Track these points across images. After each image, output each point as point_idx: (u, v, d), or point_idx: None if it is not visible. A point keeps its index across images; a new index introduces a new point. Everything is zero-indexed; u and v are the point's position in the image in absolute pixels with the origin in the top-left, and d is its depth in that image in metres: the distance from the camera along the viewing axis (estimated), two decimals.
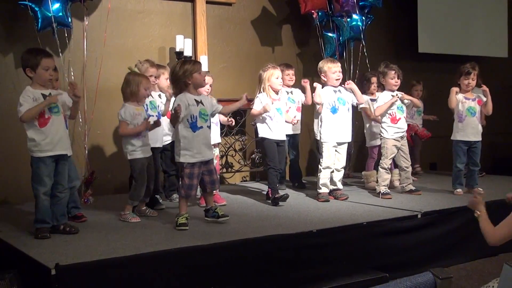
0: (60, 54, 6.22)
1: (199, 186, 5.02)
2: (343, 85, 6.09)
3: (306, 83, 6.37)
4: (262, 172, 7.56)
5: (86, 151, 6.38)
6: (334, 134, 5.98)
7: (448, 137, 6.44)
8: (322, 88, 6.06)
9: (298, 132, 6.88)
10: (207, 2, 7.50)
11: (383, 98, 6.27)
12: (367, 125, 7.07)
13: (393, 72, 6.24)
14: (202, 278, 4.01)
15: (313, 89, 6.15)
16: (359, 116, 7.22)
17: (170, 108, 5.88)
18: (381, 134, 6.34)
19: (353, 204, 5.79)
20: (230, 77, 7.49)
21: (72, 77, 6.23)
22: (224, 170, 7.46)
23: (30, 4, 5.99)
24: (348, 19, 7.78)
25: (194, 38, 7.37)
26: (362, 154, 8.09)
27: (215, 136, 5.81)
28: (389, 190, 6.17)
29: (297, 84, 6.82)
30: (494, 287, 3.18)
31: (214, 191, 5.47)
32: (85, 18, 6.49)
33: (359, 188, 6.90)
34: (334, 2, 7.77)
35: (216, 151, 5.86)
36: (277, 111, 5.92)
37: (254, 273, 4.22)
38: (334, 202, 5.91)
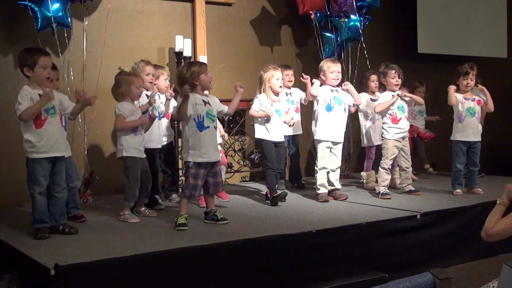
0: (60, 54, 6.22)
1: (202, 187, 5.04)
2: (340, 87, 6.10)
3: (306, 79, 6.37)
4: (262, 172, 7.56)
5: (86, 151, 6.37)
6: (328, 132, 5.98)
7: (448, 138, 6.44)
8: (320, 86, 6.07)
9: (299, 132, 6.88)
10: (206, 2, 7.51)
11: (384, 97, 6.27)
12: (364, 126, 7.04)
13: (393, 71, 6.25)
14: (201, 278, 4.01)
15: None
16: (358, 116, 7.21)
17: (170, 110, 5.91)
18: (382, 134, 6.34)
19: (353, 205, 5.79)
20: (229, 77, 7.49)
21: (72, 78, 6.23)
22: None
23: (30, 4, 5.98)
24: (346, 20, 7.79)
25: (194, 38, 7.37)
26: (361, 155, 8.09)
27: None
28: (388, 191, 6.17)
29: (297, 85, 6.82)
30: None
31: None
32: (85, 19, 6.48)
33: (358, 188, 6.90)
34: (332, 3, 7.77)
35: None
36: (276, 113, 5.92)
37: (254, 273, 4.22)
38: (334, 203, 5.91)
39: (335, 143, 6.04)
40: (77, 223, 4.95)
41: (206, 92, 5.06)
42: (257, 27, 8.08)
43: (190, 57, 7.03)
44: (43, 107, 4.45)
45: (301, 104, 6.78)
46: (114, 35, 6.82)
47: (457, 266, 5.22)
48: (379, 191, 6.15)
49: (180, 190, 5.78)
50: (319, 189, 6.00)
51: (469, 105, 6.28)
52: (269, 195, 5.91)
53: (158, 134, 5.70)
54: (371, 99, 6.96)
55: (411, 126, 7.35)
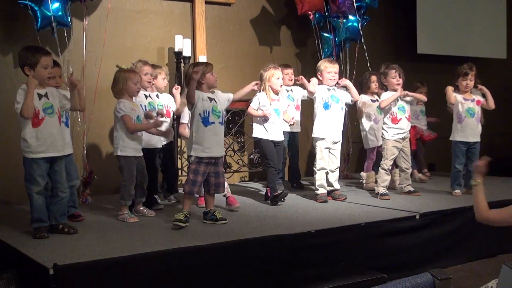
0: (60, 54, 6.22)
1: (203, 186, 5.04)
2: (337, 85, 6.10)
3: (301, 79, 6.35)
4: (261, 172, 7.56)
5: (85, 151, 6.37)
6: (326, 131, 5.99)
7: (447, 138, 6.44)
8: (318, 85, 6.08)
9: (298, 130, 6.86)
10: (206, 2, 7.51)
11: (387, 95, 6.26)
12: (366, 127, 7.00)
13: (393, 71, 6.25)
14: (200, 278, 4.01)
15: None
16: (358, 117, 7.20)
17: (170, 108, 5.94)
18: (382, 135, 6.34)
19: (352, 205, 5.79)
20: (229, 77, 7.49)
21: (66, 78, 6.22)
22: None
23: (30, 3, 5.98)
24: (344, 20, 7.78)
25: (193, 38, 7.37)
26: (361, 155, 8.09)
27: None
28: (387, 191, 6.17)
29: (297, 84, 6.82)
30: None
31: (228, 194, 5.60)
32: (84, 18, 6.48)
33: (357, 188, 6.90)
34: (331, 3, 7.77)
35: None
36: (275, 112, 5.91)
37: (253, 273, 4.22)
38: (333, 203, 5.91)
39: (333, 142, 6.03)
40: (75, 222, 4.95)
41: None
42: (256, 27, 8.08)
43: (189, 57, 7.03)
44: (41, 106, 4.43)
45: (302, 102, 6.76)
46: (114, 34, 6.82)
47: (456, 266, 5.22)
48: (378, 192, 6.15)
49: (180, 190, 5.79)
50: (318, 189, 6.00)
51: (469, 105, 6.28)
52: (269, 194, 5.90)
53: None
54: (372, 100, 6.95)
55: (414, 127, 7.37)
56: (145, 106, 5.55)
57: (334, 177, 6.11)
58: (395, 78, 6.24)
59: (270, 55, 8.06)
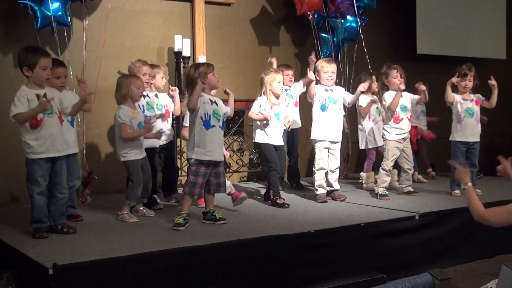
0: (60, 54, 6.21)
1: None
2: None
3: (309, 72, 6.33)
4: (260, 172, 7.56)
5: (84, 151, 6.37)
6: (324, 132, 5.98)
7: (446, 139, 6.45)
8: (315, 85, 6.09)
9: (298, 126, 6.80)
10: (205, 2, 7.50)
11: (390, 95, 6.25)
12: (366, 127, 6.98)
13: (395, 71, 6.25)
14: (200, 278, 4.01)
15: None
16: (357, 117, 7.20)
17: (170, 108, 5.93)
18: (383, 135, 6.34)
19: (351, 205, 5.79)
20: (228, 77, 7.49)
21: (72, 77, 6.22)
22: None
23: (30, 3, 5.98)
24: (342, 20, 7.78)
25: (193, 38, 7.37)
26: (360, 155, 8.09)
27: None
28: (387, 192, 6.17)
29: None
30: None
31: (232, 190, 5.60)
32: (85, 18, 6.47)
33: (357, 189, 6.90)
34: (329, 3, 7.76)
35: None
36: (275, 116, 5.90)
37: (252, 273, 4.22)
38: (332, 203, 5.91)
39: (332, 142, 6.03)
40: (74, 222, 4.94)
41: (213, 92, 5.11)
42: (256, 27, 8.07)
43: (189, 57, 7.03)
44: (40, 112, 4.43)
45: (300, 99, 6.75)
46: (113, 34, 6.82)
47: (456, 266, 5.22)
48: (378, 192, 6.15)
49: (180, 190, 5.78)
50: (317, 189, 6.00)
51: (468, 105, 6.29)
52: (271, 196, 5.90)
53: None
54: (372, 100, 6.94)
55: (415, 127, 7.37)
56: (143, 105, 5.55)
57: (334, 177, 6.10)
58: (396, 78, 6.24)
59: (269, 55, 8.03)
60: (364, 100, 6.74)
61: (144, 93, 5.63)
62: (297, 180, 7.08)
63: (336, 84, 6.35)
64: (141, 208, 5.33)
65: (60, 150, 4.55)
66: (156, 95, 5.86)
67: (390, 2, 9.18)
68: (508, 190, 6.12)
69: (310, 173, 7.78)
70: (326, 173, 6.06)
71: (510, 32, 10.13)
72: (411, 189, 6.31)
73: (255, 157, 7.46)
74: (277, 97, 5.96)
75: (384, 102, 6.31)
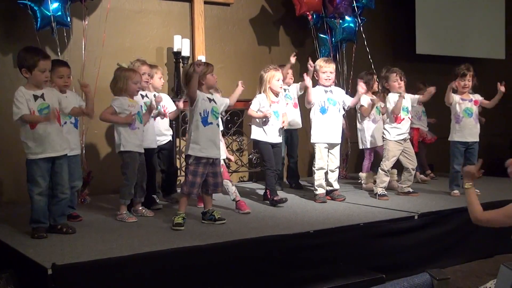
0: (59, 54, 6.21)
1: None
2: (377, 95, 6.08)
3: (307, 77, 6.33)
4: (260, 172, 7.56)
5: (84, 151, 6.36)
6: (324, 135, 5.98)
7: (445, 139, 6.45)
8: (314, 87, 6.06)
9: (299, 126, 6.82)
10: (205, 2, 7.50)
11: (393, 98, 6.25)
12: (366, 128, 6.97)
13: (394, 74, 6.25)
14: (199, 279, 4.00)
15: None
16: (356, 118, 7.20)
17: (167, 110, 5.93)
18: (383, 135, 6.34)
19: (350, 205, 5.79)
20: (228, 77, 7.48)
21: (71, 77, 6.22)
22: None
23: (29, 3, 5.97)
24: (341, 21, 7.78)
25: (192, 38, 7.36)
26: (359, 155, 8.08)
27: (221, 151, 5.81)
28: (386, 192, 6.17)
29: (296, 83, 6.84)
30: None
31: (238, 198, 5.57)
32: (84, 18, 6.47)
33: (356, 189, 6.90)
34: (328, 4, 7.76)
35: (221, 161, 5.82)
36: (274, 114, 5.91)
37: (251, 273, 4.22)
38: (331, 203, 5.92)
39: (332, 145, 6.03)
40: (73, 222, 4.94)
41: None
42: (255, 27, 8.07)
43: (188, 57, 7.03)
44: (36, 107, 4.42)
45: (299, 100, 6.76)
46: (113, 34, 6.81)
47: (455, 266, 5.22)
48: (377, 192, 6.15)
49: (179, 190, 5.78)
50: (317, 189, 5.99)
51: (467, 105, 6.29)
52: (268, 196, 5.90)
53: (153, 134, 5.69)
54: (371, 100, 6.94)
55: (417, 129, 7.37)
56: (141, 106, 5.54)
57: (334, 177, 6.10)
58: (396, 81, 6.24)
59: (268, 55, 8.06)
60: (365, 100, 6.74)
61: (143, 93, 5.64)
62: (296, 180, 7.08)
63: (335, 84, 6.34)
64: (140, 208, 5.33)
65: (58, 150, 4.53)
66: (154, 95, 5.85)
67: (389, 2, 9.19)
68: (507, 190, 6.13)
69: (310, 173, 7.79)
70: (326, 173, 6.06)
71: (509, 32, 10.13)
72: (410, 189, 6.31)
73: (254, 157, 7.46)
74: (276, 94, 5.96)
75: (388, 105, 6.29)
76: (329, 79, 6.04)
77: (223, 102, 5.17)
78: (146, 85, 5.74)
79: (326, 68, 6.02)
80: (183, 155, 6.77)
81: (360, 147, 7.07)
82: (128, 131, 5.11)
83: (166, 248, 4.03)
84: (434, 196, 6.26)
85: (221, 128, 5.93)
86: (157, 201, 5.78)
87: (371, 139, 6.87)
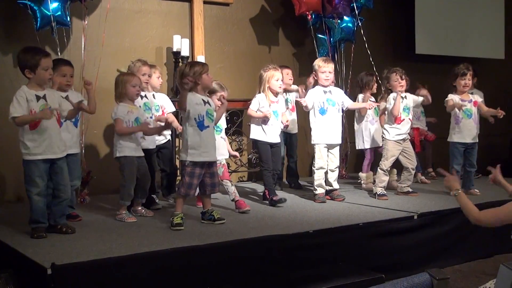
0: (59, 54, 6.21)
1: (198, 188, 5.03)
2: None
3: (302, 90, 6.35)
4: (259, 172, 7.55)
5: (83, 151, 6.36)
6: (324, 136, 5.98)
7: (444, 139, 6.45)
8: (313, 87, 6.06)
9: (295, 131, 6.85)
10: (204, 2, 7.50)
11: (393, 98, 6.26)
12: (365, 128, 6.96)
13: (394, 74, 6.25)
14: (198, 278, 4.01)
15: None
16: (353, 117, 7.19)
17: (165, 109, 5.93)
18: (383, 135, 6.34)
19: (350, 205, 5.80)
20: (227, 77, 7.48)
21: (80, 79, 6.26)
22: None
23: (29, 3, 5.97)
24: (339, 21, 7.78)
25: (192, 38, 7.36)
26: (359, 155, 8.09)
27: (224, 150, 5.80)
28: (385, 192, 6.17)
29: (297, 84, 6.83)
30: None
31: (237, 197, 5.57)
32: (84, 18, 6.47)
33: (355, 189, 6.90)
34: (327, 4, 7.75)
35: (223, 160, 5.83)
36: (273, 114, 5.90)
37: (250, 273, 4.22)
38: (331, 203, 5.92)
39: (332, 146, 6.03)
40: (72, 222, 4.93)
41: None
42: (255, 27, 8.07)
43: (187, 57, 7.02)
44: (38, 108, 4.42)
45: (296, 103, 6.75)
46: (112, 34, 6.81)
47: (454, 266, 5.23)
48: (376, 192, 6.15)
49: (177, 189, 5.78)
50: (316, 189, 5.99)
51: (466, 106, 6.29)
52: (267, 196, 5.90)
53: (150, 135, 5.68)
54: (370, 101, 6.94)
55: (417, 129, 7.38)
56: (140, 106, 5.54)
57: (333, 177, 6.10)
58: (397, 81, 6.24)
59: (268, 55, 8.06)
60: (363, 100, 6.75)
61: (142, 93, 5.64)
62: (296, 180, 7.08)
63: (334, 84, 6.34)
64: (140, 208, 5.32)
65: (57, 152, 4.53)
66: (153, 96, 5.86)
67: (389, 2, 9.19)
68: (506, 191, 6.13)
69: (309, 173, 7.79)
70: (326, 173, 6.06)
71: (508, 32, 10.14)
72: (410, 189, 6.31)
73: (254, 157, 7.46)
74: (276, 94, 5.96)
75: (388, 105, 6.29)
76: (328, 79, 6.04)
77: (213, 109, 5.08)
78: (146, 86, 5.74)
79: (325, 68, 6.01)
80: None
81: (357, 147, 7.07)
82: (125, 137, 5.12)
83: (165, 248, 4.03)
84: (433, 196, 6.26)
85: (225, 126, 5.91)
86: (157, 201, 5.78)
87: (370, 139, 6.87)
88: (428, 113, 7.93)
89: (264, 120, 5.86)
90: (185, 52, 7.01)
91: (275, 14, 8.25)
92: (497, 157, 9.70)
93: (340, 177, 7.17)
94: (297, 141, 7.03)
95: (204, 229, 4.75)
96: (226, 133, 7.20)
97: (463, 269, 5.20)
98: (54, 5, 6.03)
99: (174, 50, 7.05)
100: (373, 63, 7.24)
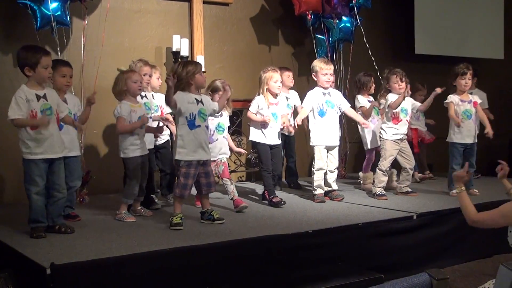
0: (59, 53, 6.21)
1: (195, 188, 5.03)
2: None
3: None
4: (258, 172, 7.55)
5: (82, 151, 6.36)
6: (323, 138, 5.97)
7: (444, 139, 6.45)
8: (313, 88, 6.06)
9: (291, 134, 6.84)
10: (204, 2, 7.50)
11: (392, 99, 6.24)
12: (362, 128, 6.95)
13: (395, 76, 6.24)
14: (197, 278, 4.01)
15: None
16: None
17: (164, 109, 5.92)
18: (381, 135, 6.34)
19: (349, 205, 5.79)
20: (226, 77, 7.42)
21: (82, 84, 6.26)
22: None
23: (29, 2, 5.97)
24: (337, 21, 7.78)
25: (191, 38, 7.36)
26: (358, 155, 8.10)
27: (225, 149, 5.82)
28: (384, 192, 6.17)
29: (296, 84, 6.83)
30: None
31: (235, 197, 5.57)
32: (84, 18, 6.47)
33: (355, 189, 6.90)
34: (325, 4, 7.75)
35: (224, 159, 5.82)
36: (273, 116, 5.90)
37: (250, 273, 4.22)
38: (330, 203, 5.92)
39: (331, 147, 6.03)
40: (72, 222, 4.94)
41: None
42: (254, 26, 8.07)
43: (187, 57, 7.02)
44: (39, 108, 4.42)
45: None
46: (112, 34, 6.81)
47: (453, 266, 5.22)
48: (376, 192, 6.15)
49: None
50: (315, 190, 5.99)
51: (466, 107, 6.29)
52: (267, 196, 5.89)
53: (150, 134, 5.68)
54: (368, 101, 6.93)
55: (415, 129, 7.37)
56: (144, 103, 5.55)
57: (333, 178, 6.10)
58: (397, 83, 6.23)
59: (267, 55, 8.06)
60: (363, 101, 6.74)
61: (142, 93, 5.64)
62: (295, 180, 7.08)
63: (334, 85, 6.34)
64: (139, 208, 5.33)
65: (57, 152, 4.53)
66: (152, 96, 5.86)
67: (388, 2, 9.19)
68: (505, 191, 6.14)
69: (309, 173, 7.79)
70: (325, 173, 6.06)
71: (507, 33, 10.14)
72: (409, 189, 6.31)
73: (253, 157, 7.46)
74: (275, 96, 5.95)
75: (387, 103, 6.29)
76: (329, 81, 6.04)
77: (211, 106, 5.05)
78: (147, 86, 5.74)
79: (327, 70, 6.00)
80: None
81: (365, 148, 7.07)
82: (130, 136, 5.11)
83: (165, 248, 4.03)
84: (432, 196, 6.26)
85: (228, 125, 5.90)
86: (156, 201, 5.78)
87: (372, 140, 6.86)
88: (427, 113, 7.93)
89: (263, 124, 5.85)
90: (184, 52, 7.01)
91: (275, 14, 8.25)
92: (495, 157, 9.71)
93: (340, 177, 7.17)
94: (295, 141, 7.03)
95: (204, 229, 4.75)
96: None
97: (463, 269, 5.20)
98: (54, 5, 6.03)
99: (174, 50, 7.05)
100: (374, 63, 7.24)
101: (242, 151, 6.36)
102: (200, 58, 7.06)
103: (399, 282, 2.34)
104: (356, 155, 8.30)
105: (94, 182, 6.38)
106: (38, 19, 6.03)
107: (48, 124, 4.42)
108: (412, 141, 7.23)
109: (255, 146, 6.10)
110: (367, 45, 7.47)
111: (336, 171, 6.14)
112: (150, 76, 5.79)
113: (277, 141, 6.00)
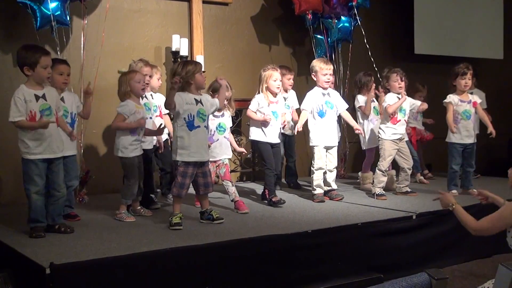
0: (59, 53, 6.21)
1: (193, 188, 5.03)
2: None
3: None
4: (258, 172, 7.56)
5: (82, 150, 6.36)
6: (323, 138, 5.98)
7: (443, 139, 6.45)
8: (312, 88, 6.06)
9: (292, 134, 6.84)
10: (203, 2, 7.50)
11: (391, 97, 6.26)
12: (366, 128, 6.95)
13: (395, 74, 6.25)
14: (197, 278, 4.01)
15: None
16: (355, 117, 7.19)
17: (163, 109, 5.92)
18: (379, 134, 6.34)
19: (348, 205, 5.80)
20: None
21: (82, 82, 6.26)
22: None
23: (29, 2, 5.97)
24: (336, 21, 7.78)
25: (190, 37, 7.36)
26: (358, 155, 8.09)
27: (227, 150, 5.82)
28: (384, 192, 6.17)
29: (295, 84, 6.83)
30: None
31: (237, 198, 5.57)
32: (84, 17, 6.47)
33: (354, 189, 6.90)
34: (324, 4, 7.75)
35: (226, 160, 5.82)
36: (273, 114, 5.90)
37: (249, 273, 4.22)
38: (329, 203, 5.92)
39: (330, 147, 6.04)
40: (71, 222, 4.94)
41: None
42: (254, 26, 8.08)
43: (186, 57, 7.02)
44: (38, 108, 4.42)
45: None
46: (112, 34, 6.81)
47: (453, 266, 5.22)
48: (375, 192, 6.16)
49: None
50: (315, 189, 6.00)
51: (465, 107, 6.29)
52: (267, 196, 5.89)
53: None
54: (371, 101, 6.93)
55: (413, 128, 7.37)
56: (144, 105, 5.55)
57: (332, 177, 6.11)
58: (397, 82, 6.24)
59: (267, 55, 8.06)
60: (363, 100, 6.74)
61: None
62: (294, 179, 7.08)
63: (332, 85, 6.33)
64: (139, 207, 5.33)
65: (56, 151, 4.54)
66: (151, 96, 5.86)
67: (388, 2, 9.19)
68: (504, 191, 6.15)
69: (308, 173, 7.79)
70: (324, 173, 6.06)
71: (507, 32, 10.15)
72: (408, 189, 6.32)
73: (255, 154, 7.45)
74: (274, 94, 5.95)
75: (384, 104, 6.30)
76: (329, 82, 6.05)
77: (211, 103, 5.04)
78: (147, 86, 5.74)
79: (327, 71, 6.00)
80: None
81: (363, 148, 7.07)
82: (127, 135, 5.11)
83: (164, 248, 4.03)
84: (432, 196, 6.20)
85: (230, 125, 5.90)
86: (156, 200, 5.78)
87: (371, 139, 6.86)
88: (426, 113, 7.93)
89: (263, 123, 5.85)
90: (184, 51, 7.01)
91: (274, 13, 8.25)
92: (495, 157, 9.73)
93: (339, 177, 7.18)
94: (295, 141, 7.03)
95: (203, 228, 4.75)
96: None
97: (462, 269, 5.20)
98: (54, 4, 6.03)
99: (173, 49, 7.05)
100: (374, 63, 7.24)
101: (245, 151, 6.36)
102: (199, 58, 7.06)
103: (398, 281, 2.34)
104: (355, 155, 8.30)
105: (93, 182, 6.39)
106: (38, 18, 6.03)
107: (48, 126, 4.42)
108: (411, 139, 7.23)
109: (255, 145, 6.09)
110: (367, 46, 7.48)
111: (335, 171, 6.14)
112: (151, 76, 5.79)
113: (277, 139, 6.00)
